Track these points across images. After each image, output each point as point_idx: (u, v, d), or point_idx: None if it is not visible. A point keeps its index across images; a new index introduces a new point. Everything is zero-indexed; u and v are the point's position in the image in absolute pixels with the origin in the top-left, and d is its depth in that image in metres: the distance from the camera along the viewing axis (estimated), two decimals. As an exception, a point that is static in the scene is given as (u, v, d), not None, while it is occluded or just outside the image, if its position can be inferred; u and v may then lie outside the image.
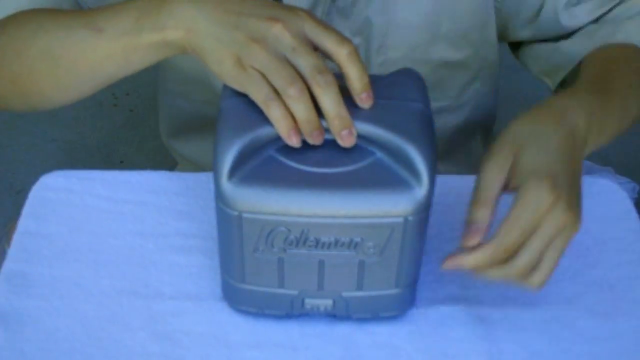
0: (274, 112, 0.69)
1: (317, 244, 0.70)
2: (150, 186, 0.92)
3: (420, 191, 0.68)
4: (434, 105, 1.06)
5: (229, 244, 0.72)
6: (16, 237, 0.86)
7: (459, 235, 0.88)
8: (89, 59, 0.81)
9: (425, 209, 0.70)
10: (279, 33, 0.70)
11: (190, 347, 0.77)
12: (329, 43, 0.71)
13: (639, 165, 2.03)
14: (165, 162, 1.32)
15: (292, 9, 0.73)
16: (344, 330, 0.79)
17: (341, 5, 0.99)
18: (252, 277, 0.74)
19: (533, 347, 0.78)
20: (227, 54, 0.71)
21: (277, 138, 0.69)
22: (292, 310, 0.77)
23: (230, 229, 0.70)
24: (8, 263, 0.84)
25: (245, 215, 0.68)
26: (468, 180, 0.95)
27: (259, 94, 0.69)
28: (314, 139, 0.69)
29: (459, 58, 1.06)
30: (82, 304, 0.80)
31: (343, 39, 0.71)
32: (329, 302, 0.77)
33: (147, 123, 2.21)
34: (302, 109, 0.68)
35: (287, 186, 0.68)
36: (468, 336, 0.79)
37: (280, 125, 0.68)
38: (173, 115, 1.16)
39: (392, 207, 0.68)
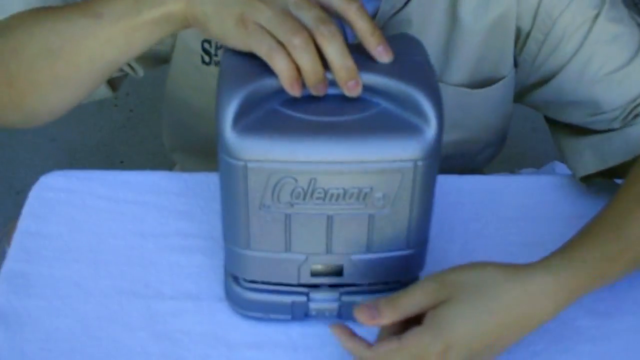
0: (278, 63, 0.66)
1: (325, 195, 0.68)
2: (150, 186, 0.92)
3: (429, 133, 0.66)
4: (447, 167, 1.04)
5: (234, 202, 0.70)
6: (16, 237, 0.86)
7: (459, 235, 0.89)
8: (89, 47, 0.78)
9: (434, 153, 0.67)
10: None
11: (190, 347, 0.77)
12: (335, 1, 0.69)
13: (639, 165, 2.03)
14: (165, 162, 1.31)
15: None
16: (344, 330, 0.79)
17: None
18: (259, 240, 0.72)
19: (533, 347, 0.78)
20: (230, 14, 0.69)
21: (281, 91, 0.67)
22: (298, 281, 0.76)
23: (235, 182, 0.68)
24: (8, 263, 0.84)
25: (250, 164, 0.66)
26: (468, 180, 0.96)
27: (262, 47, 0.67)
28: (318, 91, 0.67)
29: (476, 137, 1.01)
30: (82, 304, 0.80)
31: (347, 4, 0.69)
32: (334, 305, 0.77)
33: (147, 123, 2.21)
34: (307, 59, 0.66)
35: (293, 134, 0.66)
36: (468, 336, 0.79)
37: (284, 75, 0.66)
38: (177, 136, 1.14)
39: (401, 150, 0.66)
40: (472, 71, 0.94)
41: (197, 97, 1.00)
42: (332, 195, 0.68)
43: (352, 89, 0.67)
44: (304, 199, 0.68)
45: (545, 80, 0.93)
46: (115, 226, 0.88)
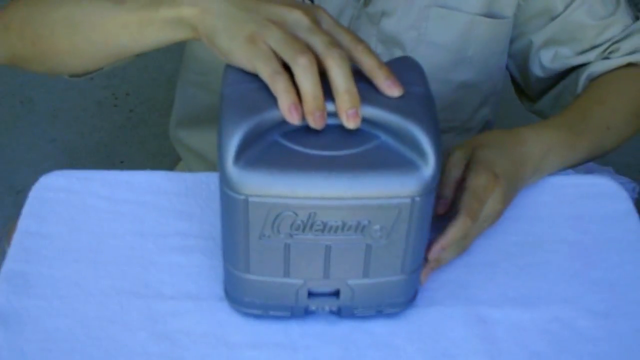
0: (279, 85, 0.67)
1: (324, 228, 0.69)
2: (150, 186, 0.92)
3: (427, 170, 0.68)
4: (446, 124, 1.09)
5: (234, 231, 0.71)
6: (16, 237, 0.86)
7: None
8: (106, 28, 0.82)
9: (432, 189, 0.69)
10: (298, 17, 0.71)
11: (190, 347, 0.77)
12: (345, 39, 0.71)
13: (639, 165, 2.03)
14: (165, 162, 1.32)
15: (311, 5, 0.74)
16: (343, 330, 0.79)
17: (371, 12, 1.00)
18: (258, 265, 0.73)
19: (533, 347, 0.78)
20: (241, 30, 0.71)
21: (282, 123, 0.68)
22: (296, 304, 0.77)
23: (236, 214, 0.69)
24: (8, 263, 0.84)
25: (251, 199, 0.67)
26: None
27: (266, 68, 0.68)
28: (315, 121, 0.67)
29: (476, 81, 1.08)
30: (82, 304, 0.80)
31: (359, 38, 0.72)
32: (334, 301, 0.77)
33: (147, 123, 2.21)
34: (309, 81, 0.67)
35: (293, 168, 0.67)
36: (468, 336, 0.79)
37: (283, 99, 0.67)
38: (189, 104, 1.18)
39: (399, 187, 0.68)
40: (488, 3, 1.03)
41: (210, 53, 1.04)
42: (330, 227, 0.69)
43: (351, 118, 0.67)
44: (303, 230, 0.69)
45: (547, 16, 1.05)
46: (115, 226, 0.88)
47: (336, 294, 0.76)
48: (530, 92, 1.15)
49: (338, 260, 0.73)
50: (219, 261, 0.83)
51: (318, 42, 0.69)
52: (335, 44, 0.69)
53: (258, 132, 0.68)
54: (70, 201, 0.90)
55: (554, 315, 0.81)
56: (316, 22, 0.71)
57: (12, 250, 0.85)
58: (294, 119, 0.67)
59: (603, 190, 0.94)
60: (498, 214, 0.84)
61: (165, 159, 1.31)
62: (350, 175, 0.67)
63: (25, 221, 0.88)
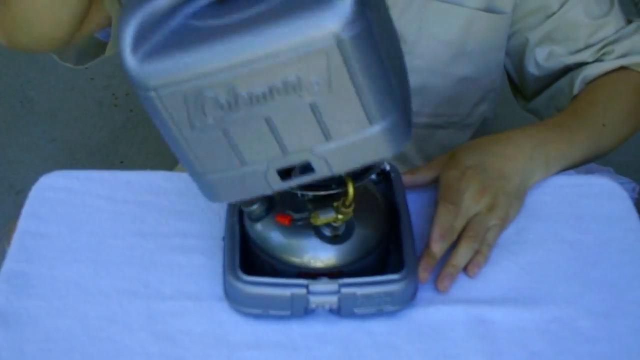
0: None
1: (252, 99, 0.62)
2: (150, 186, 0.92)
3: (344, 4, 0.58)
4: (445, 119, 1.09)
5: (167, 133, 0.65)
6: (16, 237, 0.86)
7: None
8: None
9: (359, 21, 0.59)
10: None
11: (190, 347, 0.77)
12: (487, 241, 0.86)
13: (639, 165, 2.03)
14: (165, 162, 1.31)
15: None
16: (344, 330, 0.79)
17: None
18: (210, 162, 0.67)
19: (533, 347, 0.78)
20: None
21: (182, 3, 0.62)
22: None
23: (157, 114, 0.63)
24: (8, 263, 0.84)
25: (162, 91, 0.61)
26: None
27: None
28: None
29: (475, 75, 1.09)
30: (82, 304, 0.80)
31: (489, 247, 0.86)
32: (334, 298, 0.77)
33: (147, 123, 2.20)
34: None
35: (193, 45, 0.60)
36: (468, 336, 0.79)
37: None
38: None
39: (313, 28, 0.59)
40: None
41: None
42: (258, 96, 0.61)
43: (444, 281, 0.83)
44: (231, 108, 0.62)
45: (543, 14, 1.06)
46: (115, 226, 0.88)
47: (309, 169, 0.67)
48: (526, 90, 1.15)
49: (287, 130, 0.64)
50: (219, 261, 0.83)
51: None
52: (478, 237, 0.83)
53: (156, 18, 0.61)
54: (70, 201, 0.90)
55: (554, 315, 0.81)
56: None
57: (12, 250, 0.85)
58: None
59: (603, 190, 0.94)
60: (483, 201, 0.86)
61: (165, 159, 1.31)
62: (256, 31, 0.59)
63: (25, 221, 0.88)
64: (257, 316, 0.79)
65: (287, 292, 0.77)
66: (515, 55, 1.12)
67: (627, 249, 0.88)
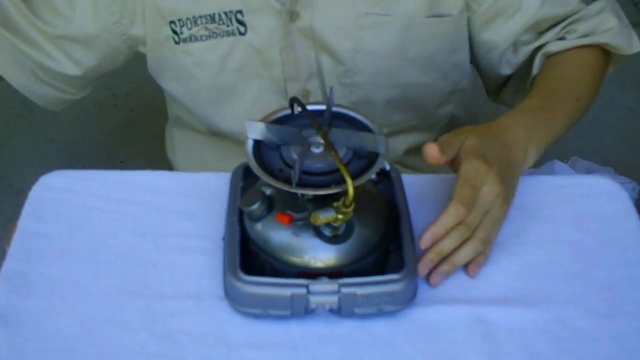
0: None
1: None
2: (150, 186, 0.92)
3: None
4: (405, 124, 1.09)
5: None
6: (16, 237, 0.86)
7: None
8: None
9: None
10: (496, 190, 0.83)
11: (190, 347, 0.77)
12: (481, 232, 0.83)
13: (639, 165, 2.03)
14: (165, 162, 1.31)
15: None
16: (344, 330, 0.79)
17: (301, 27, 1.01)
18: None
19: (533, 347, 0.78)
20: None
21: None
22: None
23: None
24: (8, 263, 0.84)
25: None
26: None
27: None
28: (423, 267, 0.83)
29: (426, 81, 1.08)
30: (82, 304, 0.80)
31: (485, 235, 0.83)
32: (334, 298, 0.77)
33: (147, 123, 2.20)
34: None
35: None
36: (468, 336, 0.79)
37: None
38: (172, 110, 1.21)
39: None
40: (429, 4, 1.02)
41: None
42: None
43: (435, 277, 0.83)
44: None
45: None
46: (115, 226, 0.88)
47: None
48: (494, 88, 1.16)
49: None
50: (219, 261, 0.83)
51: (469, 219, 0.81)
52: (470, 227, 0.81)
53: None
54: (70, 201, 0.90)
55: (555, 316, 0.81)
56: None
57: (12, 250, 0.85)
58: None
59: (603, 190, 0.94)
60: (499, 197, 0.83)
61: (165, 159, 1.31)
62: None
63: (25, 221, 0.88)
64: (257, 316, 0.79)
65: (287, 292, 0.77)
66: (489, 68, 1.11)
67: (627, 249, 0.88)
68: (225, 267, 0.80)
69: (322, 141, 0.80)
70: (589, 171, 1.71)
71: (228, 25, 1.01)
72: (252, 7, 1.00)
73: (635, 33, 1.09)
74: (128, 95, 2.27)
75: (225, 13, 1.01)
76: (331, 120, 0.83)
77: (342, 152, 0.80)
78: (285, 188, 0.76)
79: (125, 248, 0.86)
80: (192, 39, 1.03)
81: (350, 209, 0.75)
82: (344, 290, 0.77)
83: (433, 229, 0.80)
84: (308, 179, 0.78)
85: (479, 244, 0.83)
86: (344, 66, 1.04)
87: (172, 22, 1.03)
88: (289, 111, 0.83)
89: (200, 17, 1.01)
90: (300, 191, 0.77)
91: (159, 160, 1.31)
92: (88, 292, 0.81)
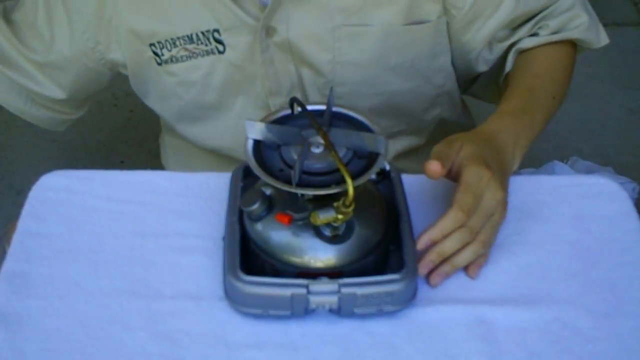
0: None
1: None
2: (150, 186, 0.92)
3: None
4: (391, 130, 1.10)
5: None
6: (16, 237, 0.86)
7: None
8: None
9: None
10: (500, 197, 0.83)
11: (190, 347, 0.77)
12: (482, 237, 0.83)
13: (639, 165, 2.03)
14: (165, 162, 1.31)
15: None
16: (343, 330, 0.79)
17: (278, 41, 1.01)
18: None
19: (533, 347, 0.78)
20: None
21: None
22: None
23: None
24: (8, 263, 0.84)
25: None
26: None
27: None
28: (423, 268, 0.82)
29: (410, 87, 1.07)
30: (82, 304, 0.80)
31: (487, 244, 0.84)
32: (334, 298, 0.77)
33: (147, 123, 2.20)
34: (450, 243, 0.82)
35: None
36: (468, 336, 0.79)
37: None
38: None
39: None
40: (406, 13, 1.01)
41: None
42: None
43: (435, 278, 0.83)
44: None
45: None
46: (115, 226, 0.88)
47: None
48: (466, 82, 1.16)
49: None
50: (219, 261, 0.83)
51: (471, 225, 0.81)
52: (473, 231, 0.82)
53: None
54: (70, 201, 0.90)
55: (555, 316, 0.81)
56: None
57: (12, 250, 0.85)
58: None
59: (603, 190, 0.94)
60: (501, 202, 0.84)
61: (165, 159, 1.32)
62: None
63: (25, 221, 0.88)
64: (257, 316, 0.79)
65: (287, 292, 0.77)
66: (464, 68, 1.12)
67: (627, 249, 0.88)
68: (225, 267, 0.80)
69: (322, 141, 0.80)
70: (589, 171, 1.71)
71: (207, 45, 1.02)
72: (228, 25, 1.00)
73: (602, 26, 1.11)
74: (128, 95, 2.27)
75: (202, 33, 1.01)
76: (331, 120, 0.83)
77: (342, 152, 0.80)
78: (285, 188, 0.76)
79: (125, 248, 0.86)
80: (172, 60, 1.03)
81: (350, 209, 0.75)
82: (344, 290, 0.77)
83: (431, 232, 0.81)
84: (308, 179, 0.78)
85: (481, 247, 0.83)
86: (324, 77, 1.04)
87: (151, 44, 1.03)
88: (289, 111, 0.83)
89: (178, 38, 1.01)
90: (300, 191, 0.77)
91: (159, 160, 1.31)
92: (88, 292, 0.81)
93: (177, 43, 1.02)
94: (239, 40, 1.01)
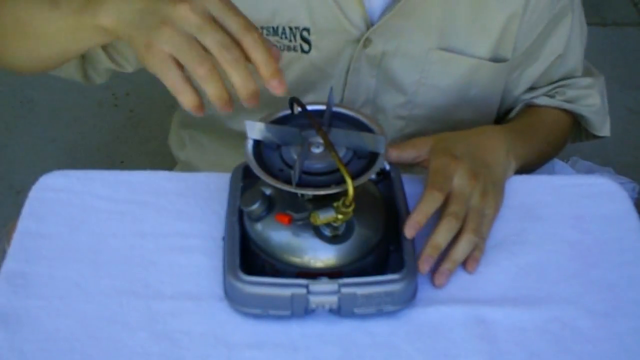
0: (182, 97, 0.71)
1: None
2: (150, 186, 0.92)
3: None
4: None
5: None
6: (16, 237, 0.86)
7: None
8: (47, 30, 0.85)
9: None
10: (184, 13, 0.70)
11: (190, 347, 0.77)
12: (234, 27, 0.71)
13: (639, 165, 2.03)
14: (165, 162, 1.32)
15: None
16: (344, 330, 0.79)
17: (371, 54, 1.00)
18: None
19: (533, 347, 0.78)
20: (141, 40, 0.72)
21: None
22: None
23: None
24: (8, 263, 0.84)
25: None
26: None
27: (168, 79, 0.71)
28: (226, 110, 0.72)
29: (476, 120, 1.08)
30: (82, 304, 0.80)
31: (249, 25, 0.71)
32: (334, 298, 0.77)
33: (147, 123, 2.21)
34: (212, 88, 0.70)
35: None
36: (468, 336, 0.79)
37: (188, 105, 0.71)
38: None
39: None
40: (495, 47, 1.03)
41: None
42: None
43: (276, 89, 0.71)
44: None
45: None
46: (115, 226, 0.88)
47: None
48: None
49: None
50: (219, 261, 0.83)
51: (210, 45, 0.70)
52: (225, 44, 0.70)
53: None
54: (70, 201, 0.90)
55: (554, 315, 0.81)
56: (204, 15, 0.71)
57: (12, 250, 0.85)
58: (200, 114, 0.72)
59: (603, 190, 0.94)
60: (475, 188, 0.86)
61: (165, 159, 1.31)
62: None
63: (25, 221, 0.88)
64: (257, 316, 0.79)
65: (287, 292, 0.77)
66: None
67: (627, 249, 0.88)
68: (225, 267, 0.80)
69: (322, 141, 0.80)
70: (589, 171, 1.71)
71: (291, 41, 0.99)
72: (321, 28, 0.98)
73: (609, 119, 1.16)
74: (128, 95, 2.27)
75: (291, 28, 0.98)
76: (331, 121, 0.83)
77: (342, 152, 0.80)
78: (285, 188, 0.76)
79: (125, 248, 0.86)
80: None
81: (350, 209, 0.76)
82: (344, 290, 0.77)
83: (414, 217, 0.82)
84: (308, 179, 0.78)
85: (473, 235, 0.84)
86: (405, 97, 1.04)
87: None
88: (289, 111, 0.83)
89: (262, 27, 0.98)
90: (300, 191, 0.77)
91: (160, 160, 1.31)
92: (88, 292, 0.81)
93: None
94: (328, 44, 0.99)
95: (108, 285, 0.82)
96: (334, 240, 0.78)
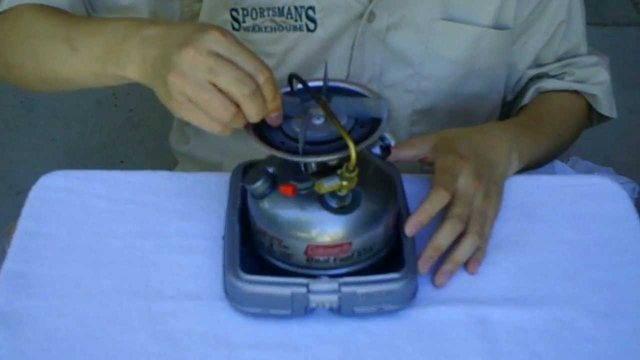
0: (213, 131, 0.76)
1: None
2: (150, 186, 0.92)
3: None
4: None
5: None
6: (16, 237, 0.86)
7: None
8: (66, 72, 0.88)
9: None
10: (191, 59, 0.73)
11: (190, 347, 0.77)
12: (248, 67, 0.74)
13: (639, 165, 2.03)
14: (165, 162, 1.32)
15: (203, 28, 0.75)
16: (343, 330, 0.79)
17: (376, 28, 1.01)
18: None
19: (533, 347, 0.78)
20: (160, 91, 0.76)
21: None
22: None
23: None
24: (8, 263, 0.84)
25: None
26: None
27: (194, 122, 0.75)
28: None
29: (485, 92, 1.09)
30: (82, 304, 0.80)
31: (261, 65, 0.75)
32: (334, 297, 0.77)
33: (147, 123, 2.21)
34: (238, 125, 0.76)
35: None
36: (468, 336, 0.79)
37: (218, 134, 0.77)
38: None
39: None
40: (496, 15, 1.04)
41: None
42: None
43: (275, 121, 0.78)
44: None
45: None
46: (115, 226, 0.88)
47: None
48: None
49: None
50: (219, 261, 0.83)
51: (224, 84, 0.73)
52: (240, 78, 0.73)
53: None
54: (70, 201, 0.90)
55: (554, 315, 0.81)
56: (211, 56, 0.73)
57: (12, 250, 0.85)
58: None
59: (603, 190, 0.94)
60: (479, 189, 0.86)
61: (165, 159, 1.31)
62: None
63: (25, 221, 0.88)
64: (257, 316, 0.79)
65: (287, 291, 0.77)
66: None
67: (627, 249, 0.88)
68: (225, 267, 0.80)
69: (322, 112, 0.78)
70: (589, 171, 1.71)
71: (296, 20, 1.00)
72: (326, 5, 0.99)
73: (614, 101, 1.14)
74: (128, 95, 2.27)
75: (296, 7, 0.99)
76: (328, 95, 0.82)
77: (343, 121, 0.79)
78: (291, 157, 0.75)
79: (125, 248, 0.86)
80: (255, 28, 1.01)
81: (354, 174, 0.74)
82: (344, 289, 0.77)
83: (417, 215, 0.82)
84: (311, 149, 0.76)
85: (476, 237, 0.83)
86: (412, 69, 1.04)
87: (234, 9, 1.00)
88: (287, 88, 0.82)
89: (268, 8, 0.99)
90: (305, 160, 0.76)
91: (160, 159, 1.31)
92: (88, 292, 0.81)
93: (265, 13, 1.00)
94: (333, 21, 1.00)
95: (108, 285, 0.82)
96: (340, 211, 0.77)
